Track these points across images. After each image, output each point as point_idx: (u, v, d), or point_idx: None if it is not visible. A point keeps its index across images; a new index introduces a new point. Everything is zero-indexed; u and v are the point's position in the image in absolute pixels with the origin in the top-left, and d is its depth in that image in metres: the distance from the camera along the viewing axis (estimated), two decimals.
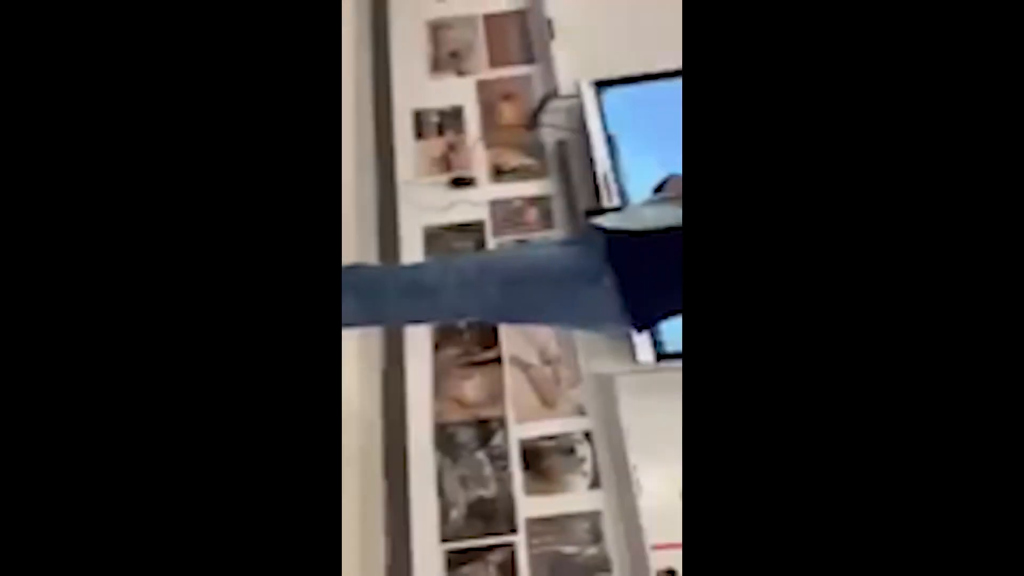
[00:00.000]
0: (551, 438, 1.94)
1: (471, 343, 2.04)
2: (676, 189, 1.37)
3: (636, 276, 1.19)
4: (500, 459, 1.92)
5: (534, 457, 1.93)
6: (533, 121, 2.18)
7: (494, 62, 2.35)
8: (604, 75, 2.00)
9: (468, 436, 1.96)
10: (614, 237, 1.22)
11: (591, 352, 1.96)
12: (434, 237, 2.12)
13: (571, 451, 1.93)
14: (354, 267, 1.33)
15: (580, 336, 1.98)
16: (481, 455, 1.93)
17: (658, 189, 1.40)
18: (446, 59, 2.37)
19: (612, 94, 1.99)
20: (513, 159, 2.20)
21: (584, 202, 1.96)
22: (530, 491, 1.88)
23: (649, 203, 1.37)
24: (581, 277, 1.22)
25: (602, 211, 1.45)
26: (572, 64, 2.10)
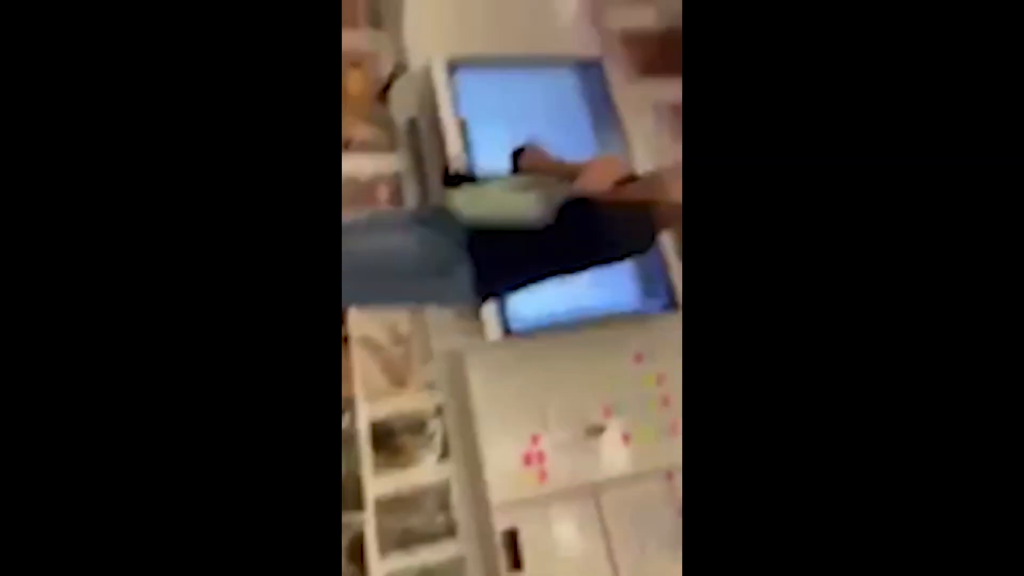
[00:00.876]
0: (402, 416, 1.96)
1: None
2: (530, 160, 1.43)
3: (490, 262, 1.24)
4: (347, 441, 1.90)
5: (385, 435, 1.94)
6: (383, 95, 2.11)
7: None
8: (455, 55, 2.00)
9: None
10: (470, 235, 1.24)
11: (441, 329, 2.01)
12: None
13: (422, 427, 1.97)
14: None
15: (431, 314, 2.01)
16: None
17: (515, 159, 1.43)
18: None
19: (464, 76, 2.00)
20: (362, 132, 2.12)
21: (436, 181, 1.97)
22: (378, 470, 1.88)
23: (506, 184, 1.40)
24: (434, 269, 1.24)
25: (459, 179, 1.46)
26: (423, 38, 2.06)
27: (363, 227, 1.38)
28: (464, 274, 1.25)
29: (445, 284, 1.26)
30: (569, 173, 1.43)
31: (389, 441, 1.94)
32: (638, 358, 1.92)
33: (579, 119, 2.09)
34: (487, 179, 1.42)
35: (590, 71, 2.14)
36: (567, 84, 2.15)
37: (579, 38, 2.21)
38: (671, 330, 1.85)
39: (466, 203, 1.30)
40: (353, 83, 2.16)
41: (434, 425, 1.98)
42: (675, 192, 1.24)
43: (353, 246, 1.30)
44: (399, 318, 2.02)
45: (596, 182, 1.29)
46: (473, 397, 1.83)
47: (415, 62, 2.05)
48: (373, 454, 1.91)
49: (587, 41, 2.21)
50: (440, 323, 2.00)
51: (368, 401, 1.95)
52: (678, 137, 2.28)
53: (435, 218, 1.30)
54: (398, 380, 1.99)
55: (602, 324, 1.93)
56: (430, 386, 1.99)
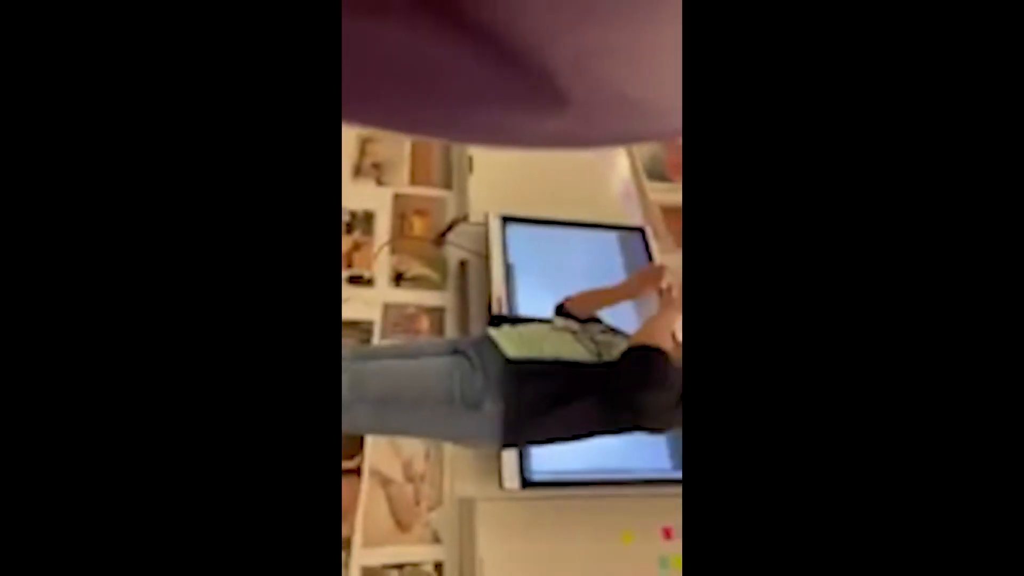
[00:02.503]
0: (398, 567, 1.76)
1: None
2: (577, 300, 1.45)
3: (519, 402, 1.19)
4: None
5: None
6: (441, 237, 2.29)
7: (414, 180, 2.51)
8: (511, 213, 2.19)
9: None
10: (508, 365, 1.21)
11: (457, 472, 1.89)
12: None
13: None
14: None
15: (450, 452, 1.91)
16: None
17: (559, 310, 1.45)
18: (368, 168, 2.49)
19: (516, 228, 2.17)
20: (417, 268, 2.26)
21: (477, 319, 2.02)
22: None
23: (546, 328, 1.40)
24: (463, 402, 1.20)
25: (503, 320, 1.48)
26: (484, 197, 2.29)
27: (400, 351, 1.40)
28: (495, 411, 1.20)
29: (473, 419, 1.21)
30: (615, 294, 1.44)
31: None
32: (667, 534, 1.71)
33: (618, 279, 2.16)
34: (531, 320, 1.45)
35: (632, 237, 2.28)
36: (610, 246, 2.28)
37: (625, 208, 2.40)
38: None
39: (509, 337, 1.30)
40: (417, 227, 2.37)
41: None
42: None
43: (386, 367, 1.31)
44: (416, 454, 1.92)
45: (641, 290, 1.29)
46: (478, 554, 1.64)
47: (474, 216, 2.25)
48: None
49: (632, 212, 2.39)
50: (456, 465, 1.89)
51: (365, 546, 1.77)
52: None
53: (473, 349, 1.29)
54: (402, 524, 1.83)
55: (630, 488, 1.77)
56: (435, 538, 1.81)
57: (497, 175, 2.32)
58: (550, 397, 1.20)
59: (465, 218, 2.24)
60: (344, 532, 1.77)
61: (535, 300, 1.67)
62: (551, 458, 1.73)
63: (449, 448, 1.91)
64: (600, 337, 1.32)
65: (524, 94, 0.27)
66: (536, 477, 1.70)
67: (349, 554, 1.74)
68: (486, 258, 2.06)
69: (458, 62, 0.25)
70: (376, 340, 2.06)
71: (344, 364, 1.32)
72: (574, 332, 1.34)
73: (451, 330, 2.13)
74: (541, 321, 1.43)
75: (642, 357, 1.13)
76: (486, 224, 2.13)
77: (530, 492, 1.69)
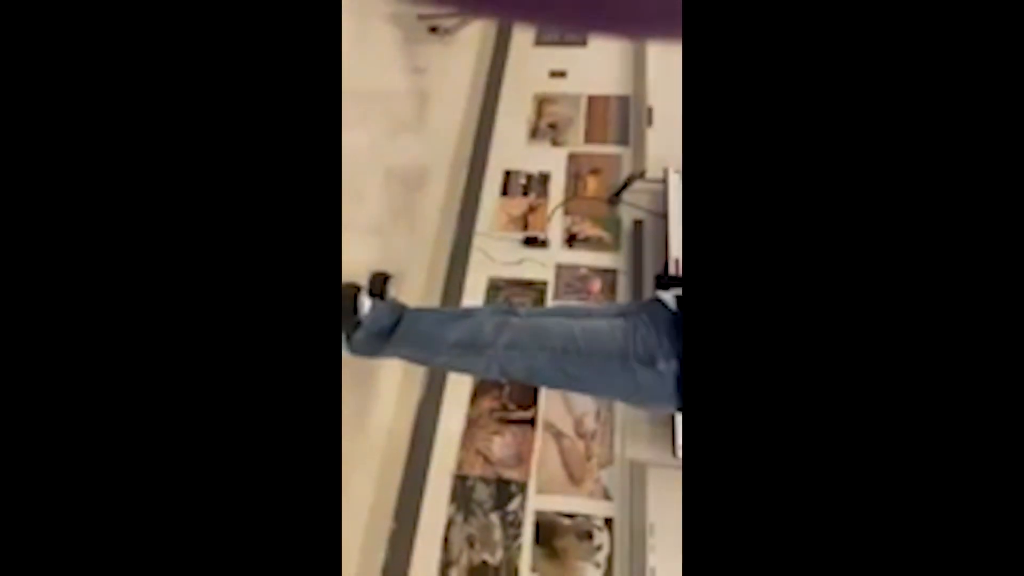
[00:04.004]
0: (570, 516, 1.84)
1: (508, 399, 2.01)
2: None
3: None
4: (513, 526, 1.83)
5: (548, 532, 1.83)
6: (616, 197, 2.23)
7: (589, 138, 2.46)
8: None
9: (485, 494, 1.90)
10: (678, 320, 1.19)
11: (629, 435, 1.88)
12: (496, 288, 2.17)
13: (588, 535, 1.81)
14: (415, 313, 1.37)
15: (621, 415, 1.91)
16: (495, 517, 1.85)
17: None
18: (544, 129, 2.51)
19: None
20: (589, 229, 2.25)
21: (650, 282, 1.95)
22: (536, 568, 1.76)
23: None
24: (636, 358, 1.20)
25: (672, 280, 1.43)
26: (662, 152, 2.16)
27: (569, 311, 1.42)
28: (669, 373, 1.17)
29: (648, 377, 1.19)
30: None
31: (552, 540, 1.82)
32: None
33: None
34: None
35: None
36: None
37: None
38: None
39: (677, 296, 1.26)
40: (591, 187, 2.34)
41: (601, 538, 1.80)
42: None
43: (564, 323, 1.34)
44: (587, 412, 1.96)
45: None
46: (649, 518, 1.63)
47: (652, 173, 2.15)
48: (533, 548, 1.80)
49: None
50: (629, 428, 1.88)
51: (540, 493, 1.88)
52: None
53: (644, 311, 1.28)
54: (574, 476, 1.89)
55: None
56: (605, 494, 1.85)
57: (678, 130, 2.17)
58: None
59: (642, 175, 2.14)
60: (520, 477, 1.90)
61: None
62: None
63: (621, 409, 1.91)
64: None
65: None
66: None
67: (525, 498, 1.87)
68: (664, 217, 1.96)
69: None
70: (549, 301, 2.11)
71: (522, 318, 1.40)
72: None
73: (623, 293, 2.09)
74: None
75: None
76: (665, 180, 2.02)
77: None
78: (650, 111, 2.25)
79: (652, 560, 1.58)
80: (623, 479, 1.83)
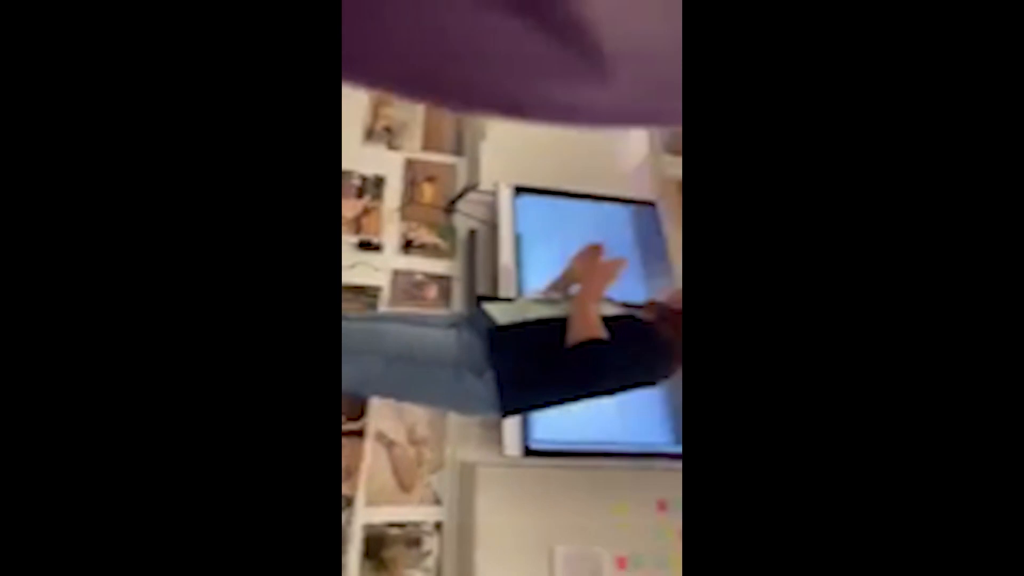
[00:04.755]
0: (399, 526, 1.82)
1: None
2: (561, 282, 1.48)
3: (513, 369, 1.23)
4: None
5: (377, 544, 1.78)
6: (451, 205, 2.27)
7: (426, 146, 2.48)
8: (523, 183, 2.17)
9: None
10: (498, 331, 1.26)
11: (459, 438, 1.92)
12: None
13: (417, 542, 1.81)
14: None
15: (452, 420, 1.95)
16: None
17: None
18: (380, 132, 2.46)
19: (527, 199, 2.15)
20: (425, 236, 2.26)
21: (484, 288, 2.03)
22: None
23: (538, 299, 1.46)
24: (467, 366, 1.24)
25: (495, 299, 1.51)
26: (495, 165, 2.26)
27: (406, 319, 1.42)
28: (491, 377, 1.24)
29: (477, 384, 1.24)
30: (565, 279, 1.48)
31: (380, 551, 1.78)
32: (662, 506, 1.75)
33: (629, 253, 2.16)
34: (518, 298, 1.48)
35: (644, 211, 2.26)
36: (621, 219, 2.26)
37: (637, 183, 2.37)
38: None
39: (500, 308, 1.34)
40: (427, 194, 2.36)
41: (430, 543, 1.81)
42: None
43: (393, 334, 1.33)
44: (418, 419, 1.96)
45: (590, 283, 1.31)
46: (477, 520, 1.68)
47: (485, 185, 2.23)
48: (362, 561, 1.74)
49: (644, 186, 2.36)
50: (459, 431, 1.93)
51: (368, 505, 1.83)
52: None
53: (474, 321, 1.33)
54: (404, 484, 1.88)
55: (628, 460, 1.80)
56: (435, 499, 1.86)
57: (510, 144, 2.29)
58: (541, 368, 1.23)
59: (476, 186, 2.22)
60: (347, 491, 1.82)
61: (542, 272, 1.67)
62: (553, 427, 1.76)
63: (452, 415, 1.94)
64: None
65: (578, 67, 0.27)
66: (537, 446, 1.73)
67: (352, 512, 1.80)
68: (495, 228, 2.05)
69: (523, 36, 0.25)
70: (383, 307, 2.08)
71: (356, 322, 1.36)
72: (557, 301, 1.39)
73: (458, 300, 2.14)
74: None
75: (589, 351, 1.19)
76: (496, 193, 2.11)
77: (531, 460, 1.73)
78: (484, 126, 2.34)
79: (480, 559, 1.64)
80: (453, 482, 1.87)
